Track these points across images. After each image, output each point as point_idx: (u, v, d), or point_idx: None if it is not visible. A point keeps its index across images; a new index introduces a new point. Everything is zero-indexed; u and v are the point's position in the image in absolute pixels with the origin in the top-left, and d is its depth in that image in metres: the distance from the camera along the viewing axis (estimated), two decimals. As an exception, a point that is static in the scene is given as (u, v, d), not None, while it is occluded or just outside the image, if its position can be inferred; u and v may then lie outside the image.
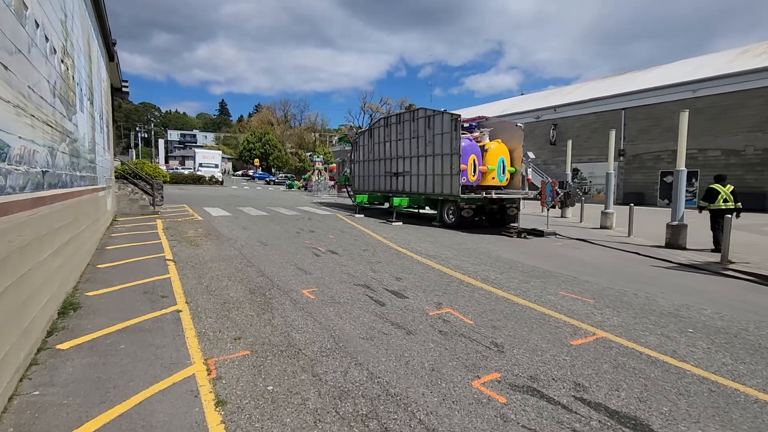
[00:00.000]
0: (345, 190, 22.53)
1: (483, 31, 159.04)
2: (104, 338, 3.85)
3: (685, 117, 10.36)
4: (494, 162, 13.65)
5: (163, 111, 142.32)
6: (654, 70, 29.92)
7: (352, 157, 18.93)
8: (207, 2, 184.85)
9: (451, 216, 13.46)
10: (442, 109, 13.60)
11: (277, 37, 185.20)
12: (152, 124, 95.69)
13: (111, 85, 15.33)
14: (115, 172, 14.56)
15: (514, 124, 14.05)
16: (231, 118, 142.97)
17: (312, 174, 41.68)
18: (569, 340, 4.13)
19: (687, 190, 25.34)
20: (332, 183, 33.26)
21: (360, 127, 18.52)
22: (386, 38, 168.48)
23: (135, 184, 14.66)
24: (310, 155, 74.60)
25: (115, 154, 15.37)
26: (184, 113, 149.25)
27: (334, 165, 36.48)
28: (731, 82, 22.64)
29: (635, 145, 27.32)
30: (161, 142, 76.79)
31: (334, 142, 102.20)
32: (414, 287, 6.00)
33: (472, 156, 13.12)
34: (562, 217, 17.81)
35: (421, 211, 16.55)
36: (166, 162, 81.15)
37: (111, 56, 11.70)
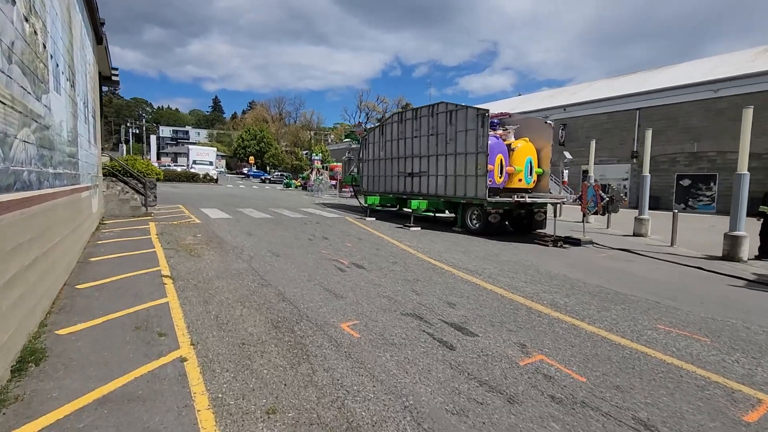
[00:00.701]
0: (351, 190, 21.31)
1: (478, 30, 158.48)
2: (74, 420, 2.59)
3: (748, 115, 9.27)
4: (521, 162, 12.51)
5: (155, 107, 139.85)
6: (668, 70, 29.00)
7: (361, 155, 17.68)
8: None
9: (474, 221, 12.28)
10: (464, 104, 12.41)
11: (272, 33, 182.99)
12: (144, 120, 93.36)
13: (100, 73, 13.97)
14: (103, 168, 13.18)
15: (543, 121, 12.91)
16: (224, 115, 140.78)
17: (310, 173, 40.38)
18: (738, 414, 2.95)
19: (705, 195, 24.62)
20: (333, 183, 31.96)
21: (360, 123, 17.28)
22: (381, 36, 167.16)
23: (125, 183, 13.29)
24: (306, 153, 73.22)
25: (103, 149, 13.98)
26: (177, 109, 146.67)
27: (337, 164, 35.16)
28: (755, 81, 21.73)
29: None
30: (153, 138, 74.91)
31: (329, 140, 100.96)
32: (476, 318, 4.79)
33: (499, 156, 11.95)
34: (585, 222, 16.71)
35: (438, 215, 15.37)
36: (158, 159, 79.23)
37: (99, 38, 10.35)
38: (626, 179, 27.77)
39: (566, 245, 10.51)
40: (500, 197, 11.74)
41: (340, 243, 9.51)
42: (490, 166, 11.52)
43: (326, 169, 41.39)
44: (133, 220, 11.53)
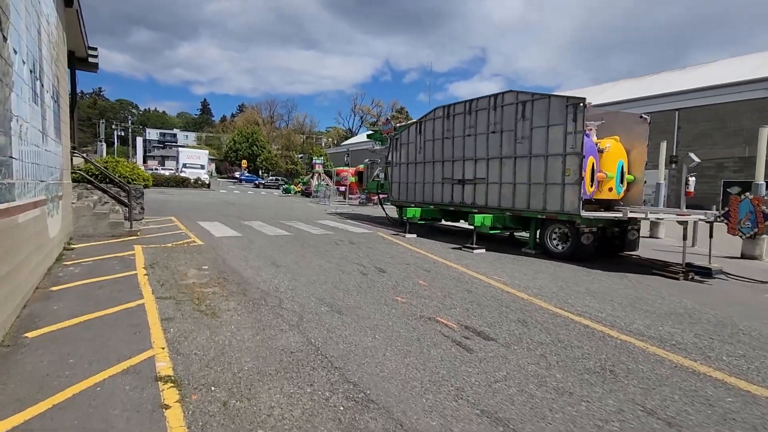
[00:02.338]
0: (377, 199, 18.55)
1: (467, 37, 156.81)
2: None
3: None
4: (612, 167, 9.92)
5: (142, 109, 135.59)
6: (708, 66, 26.91)
7: (390, 158, 14.93)
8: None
9: (556, 242, 9.61)
10: (545, 92, 9.75)
11: (261, 37, 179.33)
12: (130, 122, 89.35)
13: (73, 53, 11.08)
14: (75, 173, 10.23)
15: (638, 115, 10.32)
16: (213, 118, 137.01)
17: (311, 178, 37.63)
18: None
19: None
20: (342, 189, 29.13)
21: (389, 120, 14.59)
22: (372, 42, 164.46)
23: (104, 192, 10.35)
24: (302, 157, 70.28)
25: (75, 148, 11.03)
26: (164, 112, 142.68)
27: (344, 168, 32.32)
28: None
29: (692, 151, 24.09)
30: (139, 140, 71.26)
31: (323, 144, 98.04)
32: None
33: (591, 159, 9.33)
34: (651, 237, 14.22)
35: (491, 231, 12.70)
36: (145, 162, 75.54)
37: (66, -5, 7.51)
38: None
39: (698, 277, 7.89)
40: (591, 211, 9.10)
41: (408, 280, 6.73)
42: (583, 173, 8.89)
43: (328, 174, 38.61)
44: (112, 243, 8.59)
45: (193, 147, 79.95)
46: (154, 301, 5.00)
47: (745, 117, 22.21)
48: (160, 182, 35.32)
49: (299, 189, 38.43)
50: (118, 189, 10.95)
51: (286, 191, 37.73)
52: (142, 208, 11.42)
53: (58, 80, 7.68)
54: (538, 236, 10.20)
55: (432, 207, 12.86)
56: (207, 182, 39.62)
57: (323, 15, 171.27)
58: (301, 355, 3.67)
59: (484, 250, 9.91)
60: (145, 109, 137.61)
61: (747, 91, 22.05)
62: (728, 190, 10.20)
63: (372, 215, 19.47)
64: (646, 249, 11.04)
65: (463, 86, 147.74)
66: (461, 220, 13.24)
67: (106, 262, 6.91)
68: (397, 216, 15.59)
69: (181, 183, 37.43)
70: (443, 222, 13.45)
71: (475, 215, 10.00)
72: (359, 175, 28.19)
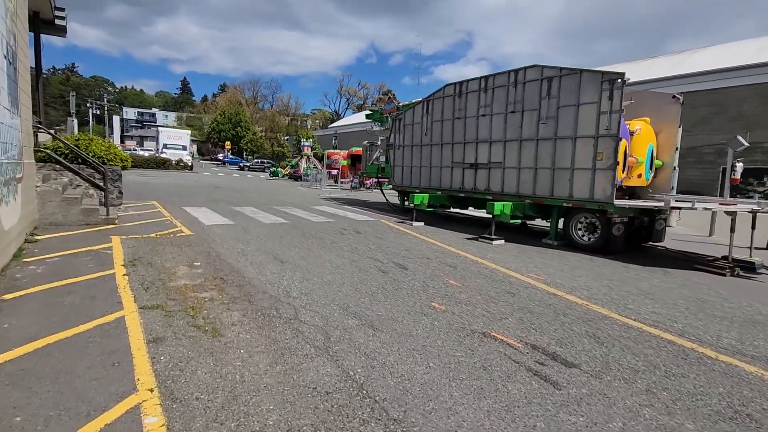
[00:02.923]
0: (374, 183, 17.57)
1: (454, 21, 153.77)
2: None
3: None
4: (643, 151, 9.12)
5: (118, 87, 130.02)
6: (710, 50, 26.31)
7: (392, 140, 13.86)
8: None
9: (582, 232, 8.83)
10: (575, 67, 8.81)
11: (244, 15, 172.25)
12: (105, 100, 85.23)
13: (37, 13, 9.65)
14: (41, 151, 8.94)
15: (670, 95, 9.49)
16: (194, 98, 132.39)
17: (300, 160, 36.29)
18: None
19: (757, 190, 22.14)
20: (334, 172, 27.94)
21: (391, 99, 13.38)
22: (357, 23, 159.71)
23: (76, 173, 9.06)
24: (288, 139, 68.28)
25: (40, 123, 9.68)
26: (142, 90, 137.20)
27: (336, 151, 31.01)
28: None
29: (693, 137, 23.55)
30: (116, 119, 68.16)
31: (308, 126, 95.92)
32: None
33: (623, 142, 8.48)
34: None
35: (514, 221, 11.87)
36: (122, 142, 72.53)
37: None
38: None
39: (743, 272, 7.20)
40: (620, 199, 8.31)
41: (436, 279, 5.82)
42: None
43: (317, 157, 37.30)
44: (86, 233, 7.43)
45: (173, 127, 76.92)
46: (137, 313, 3.97)
47: (746, 102, 21.76)
48: (140, 164, 33.46)
49: (287, 172, 37.03)
50: (92, 170, 9.69)
51: (274, 174, 36.29)
52: (120, 192, 10.18)
53: (15, 39, 6.38)
54: (560, 226, 9.41)
55: (440, 193, 11.92)
56: (189, 164, 37.81)
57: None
58: (341, 398, 2.73)
59: (503, 241, 9.06)
60: (122, 87, 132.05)
61: (748, 75, 21.54)
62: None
63: (369, 200, 18.47)
64: (671, 242, 10.37)
65: (449, 69, 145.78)
66: (470, 207, 12.39)
67: (78, 257, 5.79)
68: (398, 202, 14.65)
69: (162, 164, 35.58)
70: (452, 209, 12.50)
71: (495, 203, 9.10)
72: (352, 158, 27.06)
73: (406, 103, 14.32)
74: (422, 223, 11.24)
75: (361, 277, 5.68)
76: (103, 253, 6.10)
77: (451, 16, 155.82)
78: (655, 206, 8.02)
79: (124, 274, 5.15)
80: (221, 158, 64.31)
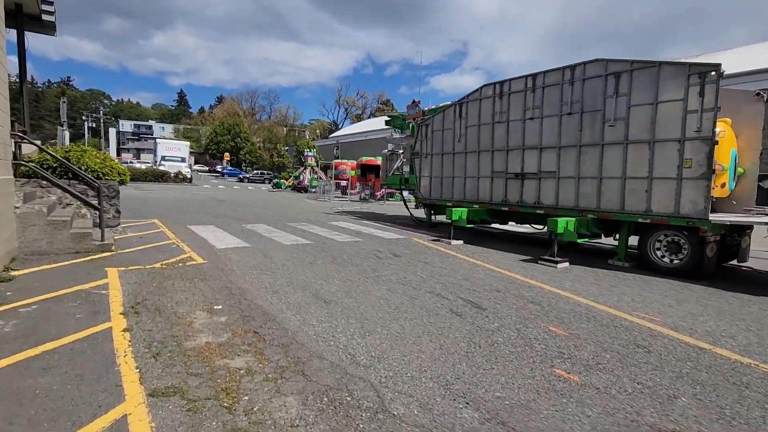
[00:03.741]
0: (398, 195, 16.34)
1: (448, 30, 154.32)
2: None
3: None
4: (727, 157, 7.84)
5: (114, 100, 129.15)
6: (743, 50, 25.32)
7: (417, 148, 12.59)
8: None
9: (661, 252, 7.53)
10: (651, 60, 7.59)
11: (240, 27, 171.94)
12: (102, 112, 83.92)
13: (21, 8, 8.42)
14: (24, 165, 7.60)
15: (753, 92, 8.27)
16: (191, 110, 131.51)
17: (303, 171, 35.09)
18: None
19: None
20: (343, 183, 26.66)
21: (416, 103, 12.11)
22: (353, 33, 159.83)
23: (65, 190, 7.70)
24: (288, 149, 67.15)
25: (25, 133, 8.36)
26: (138, 103, 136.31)
27: (344, 161, 29.75)
28: None
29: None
30: (112, 131, 66.93)
31: (306, 136, 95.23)
32: None
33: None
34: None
35: (582, 240, 10.58)
36: (118, 155, 71.31)
37: None
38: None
39: None
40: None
41: (530, 325, 4.48)
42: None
43: (323, 168, 36.10)
44: (75, 265, 6.06)
45: (171, 139, 75.76)
46: (144, 406, 2.62)
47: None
48: (137, 177, 32.10)
49: (290, 183, 35.72)
50: (86, 186, 8.34)
51: (277, 186, 34.94)
52: (118, 211, 8.82)
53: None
54: (633, 245, 8.12)
55: (477, 207, 10.61)
56: (188, 176, 36.48)
57: (303, 5, 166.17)
58: None
59: (568, 264, 7.74)
60: (118, 100, 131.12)
61: (784, 76, 20.52)
62: (760, 183, 8.42)
63: (386, 214, 17.17)
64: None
65: (445, 79, 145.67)
66: (509, 222, 11.09)
67: (62, 303, 4.42)
68: (424, 216, 13.35)
69: (160, 177, 34.22)
70: (492, 224, 11.14)
71: (558, 219, 7.77)
72: (362, 168, 25.82)
73: (433, 107, 13.09)
74: (461, 242, 9.92)
75: (436, 325, 4.33)
76: (97, 295, 4.73)
77: (445, 26, 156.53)
78: (761, 222, 6.74)
79: (124, 330, 3.79)
80: (220, 170, 63.02)
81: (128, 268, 6.00)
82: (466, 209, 10.15)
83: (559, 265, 7.57)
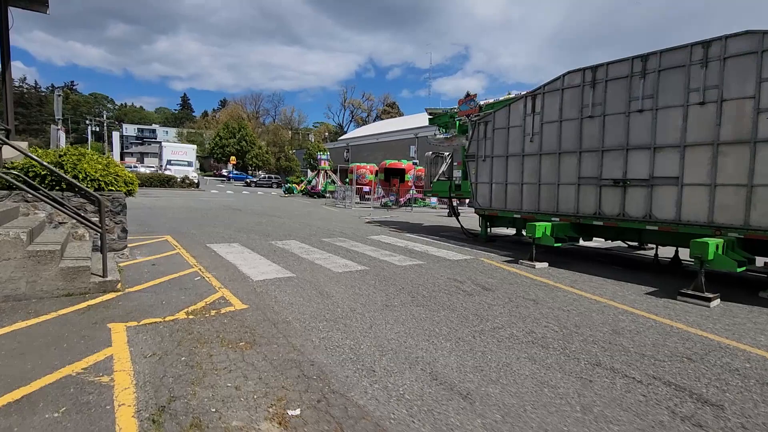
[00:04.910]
0: (448, 204, 14.60)
1: (450, 34, 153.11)
2: None
3: None
4: None
5: (118, 104, 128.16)
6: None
7: (475, 149, 10.71)
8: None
9: None
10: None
11: (243, 32, 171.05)
12: (105, 116, 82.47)
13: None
14: (6, 172, 5.78)
15: None
16: (194, 114, 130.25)
17: (316, 175, 33.32)
18: None
19: None
20: (366, 188, 24.84)
21: (471, 97, 10.28)
22: (355, 38, 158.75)
23: (56, 204, 5.87)
24: (296, 152, 65.49)
25: (7, 132, 6.56)
26: (141, 107, 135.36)
27: (363, 165, 27.90)
28: None
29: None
30: (116, 135, 65.34)
31: (311, 139, 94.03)
32: None
33: None
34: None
35: (741, 269, 8.66)
36: (122, 159, 69.92)
37: None
38: None
39: None
40: None
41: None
42: None
43: (334, 171, 34.33)
44: (65, 318, 4.21)
45: (175, 143, 74.23)
46: None
47: None
48: (142, 182, 30.34)
49: (302, 188, 33.91)
50: (83, 200, 6.51)
51: (289, 191, 33.13)
52: (124, 230, 7.00)
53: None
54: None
55: (557, 220, 8.73)
56: (196, 181, 34.74)
57: (305, 10, 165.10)
58: None
59: (719, 301, 5.84)
60: (122, 104, 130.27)
61: None
62: None
63: (423, 224, 15.32)
64: None
65: (447, 82, 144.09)
66: (594, 238, 9.19)
67: (34, 415, 2.56)
68: (479, 229, 11.48)
69: (167, 182, 32.48)
70: (580, 241, 9.18)
71: (707, 241, 5.86)
72: (386, 172, 23.97)
73: (491, 101, 11.22)
74: (545, 264, 8.04)
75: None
76: (94, 389, 2.88)
77: (447, 30, 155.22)
78: None
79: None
80: (226, 174, 61.37)
81: (140, 322, 4.15)
82: (548, 224, 8.26)
83: (712, 303, 5.67)
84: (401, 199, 23.29)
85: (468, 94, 11.35)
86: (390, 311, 4.89)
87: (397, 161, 24.24)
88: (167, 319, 4.28)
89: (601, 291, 6.26)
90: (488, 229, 11.15)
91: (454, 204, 19.07)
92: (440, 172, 12.82)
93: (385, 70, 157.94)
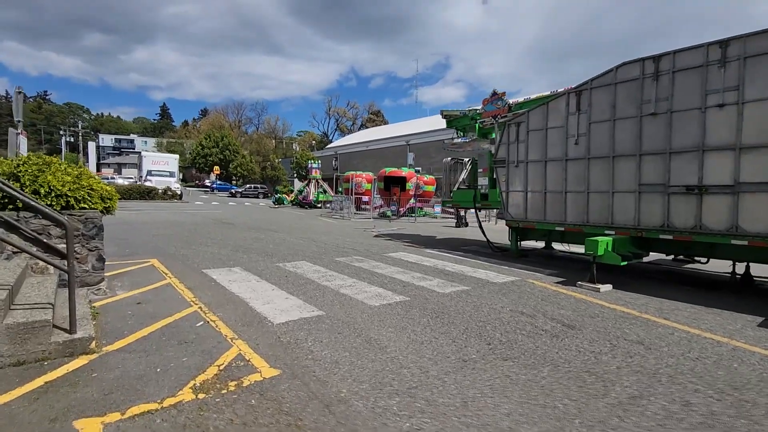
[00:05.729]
0: (455, 214, 13.42)
1: (431, 44, 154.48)
2: None
3: None
4: None
5: (94, 114, 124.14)
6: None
7: (505, 153, 9.53)
8: (145, 2, 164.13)
9: None
10: None
11: (223, 42, 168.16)
12: (80, 126, 79.14)
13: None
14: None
15: None
16: (174, 124, 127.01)
17: (307, 185, 31.91)
18: None
19: None
20: (366, 198, 23.48)
21: (499, 95, 9.18)
22: (337, 47, 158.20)
23: (8, 231, 4.39)
24: (281, 161, 63.74)
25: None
26: (119, 117, 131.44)
27: (360, 173, 26.51)
28: None
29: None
30: (92, 146, 62.53)
31: (295, 148, 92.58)
32: None
33: None
34: None
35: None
36: (98, 170, 67.03)
37: None
38: None
39: None
40: None
41: None
42: None
43: (322, 179, 32.98)
44: (2, 408, 2.75)
45: (154, 152, 71.56)
46: None
47: None
48: (120, 194, 28.29)
49: (292, 198, 32.36)
50: (47, 221, 5.02)
51: (279, 202, 31.49)
52: (100, 258, 5.52)
53: None
54: None
55: (614, 233, 7.57)
56: (179, 192, 32.82)
57: (286, 20, 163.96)
58: None
59: None
60: (98, 114, 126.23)
61: None
62: None
63: (437, 237, 14.06)
64: None
65: (428, 91, 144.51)
66: (652, 251, 8.03)
67: None
68: (509, 242, 10.28)
69: (147, 194, 30.49)
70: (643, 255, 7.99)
71: None
72: (386, 180, 22.71)
73: (521, 100, 10.07)
74: (610, 286, 6.85)
75: None
76: None
77: (427, 40, 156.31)
78: None
79: None
80: (209, 184, 59.17)
81: (126, 413, 2.73)
82: (610, 239, 7.09)
83: None
84: (401, 209, 22.04)
85: (495, 93, 10.19)
86: (473, 371, 3.57)
87: (397, 169, 23.02)
88: (166, 403, 2.87)
89: (704, 323, 5.07)
90: (518, 243, 9.96)
91: (461, 213, 18.02)
92: (460, 179, 11.59)
93: (367, 80, 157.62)
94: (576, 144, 8.17)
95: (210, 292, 5.85)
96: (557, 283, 7.21)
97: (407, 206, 22.64)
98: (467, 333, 4.53)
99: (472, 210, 11.81)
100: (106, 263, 5.80)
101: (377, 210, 23.09)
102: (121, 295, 5.50)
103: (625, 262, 6.97)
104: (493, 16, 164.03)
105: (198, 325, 4.48)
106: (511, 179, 9.45)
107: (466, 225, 17.98)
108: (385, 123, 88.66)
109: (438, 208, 23.44)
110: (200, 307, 5.09)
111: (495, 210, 10.94)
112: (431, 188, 25.02)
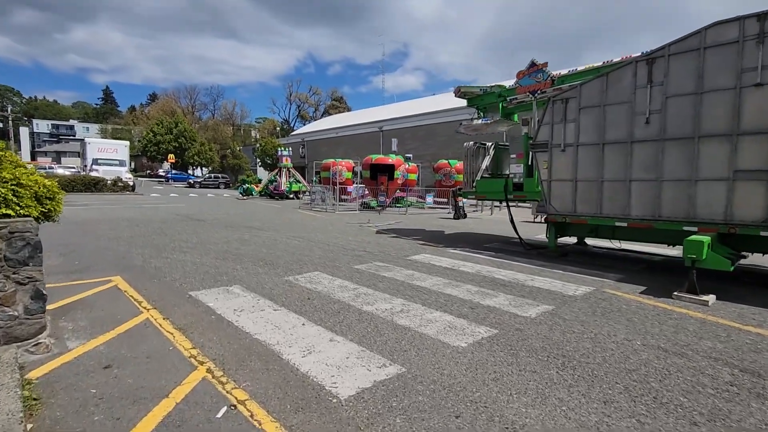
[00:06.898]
0: (453, 206, 11.80)
1: (389, 32, 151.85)
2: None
3: None
4: None
5: (26, 97, 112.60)
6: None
7: (547, 135, 8.05)
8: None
9: None
10: None
11: (173, 23, 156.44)
12: (9, 110, 70.97)
13: None
14: None
15: None
16: (119, 109, 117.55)
17: (277, 174, 29.57)
18: None
19: None
20: (350, 188, 21.55)
21: (539, 66, 7.69)
22: (294, 33, 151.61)
23: None
24: (242, 149, 60.01)
25: None
26: (56, 101, 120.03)
27: (346, 161, 24.37)
28: None
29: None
30: (24, 132, 56.22)
31: (254, 135, 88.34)
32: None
33: None
34: None
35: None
36: (33, 158, 60.55)
37: None
38: None
39: None
40: None
41: None
42: None
43: (295, 169, 30.75)
44: None
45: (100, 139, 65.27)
46: None
47: None
48: (61, 186, 24.76)
49: (261, 189, 29.82)
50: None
51: (247, 193, 28.83)
52: (38, 295, 3.51)
53: None
54: None
55: (695, 230, 6.32)
56: (131, 183, 29.38)
57: (240, 3, 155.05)
58: None
59: None
60: (31, 98, 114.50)
61: None
62: None
63: (446, 231, 12.56)
64: None
65: (388, 79, 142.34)
66: (745, 251, 6.84)
67: None
68: (545, 239, 8.91)
69: (94, 186, 26.93)
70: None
71: None
72: (372, 168, 20.85)
73: (567, 73, 8.56)
74: (714, 297, 5.58)
75: None
76: None
77: (386, 27, 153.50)
78: None
79: None
80: (163, 174, 54.76)
81: None
82: (708, 239, 5.80)
83: None
84: (386, 200, 20.38)
85: (534, 63, 8.65)
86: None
87: (384, 156, 21.21)
88: None
89: None
90: (556, 239, 8.61)
91: (459, 204, 16.62)
92: (483, 167, 10.05)
93: (326, 66, 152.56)
94: (647, 123, 6.82)
95: (214, 335, 3.98)
96: (642, 293, 5.87)
97: (393, 196, 21.02)
98: (630, 394, 3.01)
99: (498, 201, 10.34)
100: (47, 286, 3.80)
101: (361, 200, 21.29)
102: (76, 350, 3.54)
103: (732, 267, 5.71)
104: (452, 5, 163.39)
105: (219, 415, 2.67)
106: (555, 166, 8.02)
107: (465, 216, 16.62)
108: (348, 110, 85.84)
109: (430, 199, 21.95)
110: (210, 371, 3.25)
111: (532, 202, 9.44)
112: (414, 176, 23.53)
